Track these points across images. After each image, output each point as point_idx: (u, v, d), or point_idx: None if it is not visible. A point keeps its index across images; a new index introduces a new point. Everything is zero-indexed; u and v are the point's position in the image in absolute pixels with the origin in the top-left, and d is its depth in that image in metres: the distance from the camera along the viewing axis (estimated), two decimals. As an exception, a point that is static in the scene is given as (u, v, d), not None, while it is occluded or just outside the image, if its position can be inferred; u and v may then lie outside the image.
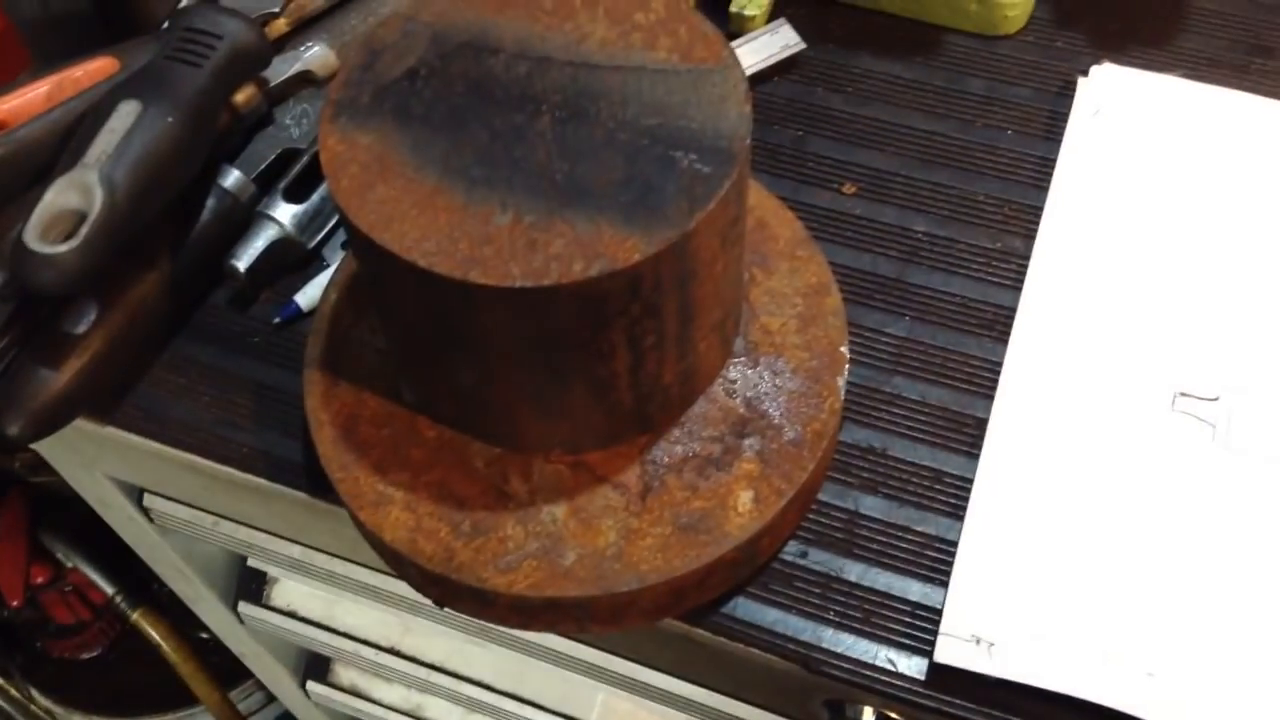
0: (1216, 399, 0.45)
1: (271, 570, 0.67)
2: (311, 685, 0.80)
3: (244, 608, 0.69)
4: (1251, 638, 0.40)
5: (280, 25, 0.55)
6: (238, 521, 0.56)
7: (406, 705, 0.77)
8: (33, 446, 0.55)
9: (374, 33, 0.40)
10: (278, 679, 0.81)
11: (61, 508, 1.11)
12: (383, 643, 0.67)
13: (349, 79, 0.39)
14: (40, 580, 1.12)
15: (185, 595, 0.70)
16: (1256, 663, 0.40)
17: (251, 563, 0.67)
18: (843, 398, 0.44)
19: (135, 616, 1.10)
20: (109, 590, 1.10)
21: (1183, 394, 0.46)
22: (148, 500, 0.59)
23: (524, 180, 0.36)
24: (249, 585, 0.69)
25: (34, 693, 1.24)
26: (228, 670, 1.17)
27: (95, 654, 1.22)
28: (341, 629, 0.68)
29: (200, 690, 1.17)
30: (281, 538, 0.56)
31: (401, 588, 0.57)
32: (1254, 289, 0.48)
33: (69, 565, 1.12)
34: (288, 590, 0.69)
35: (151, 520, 0.60)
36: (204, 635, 1.18)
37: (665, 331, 0.39)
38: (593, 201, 0.36)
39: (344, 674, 0.79)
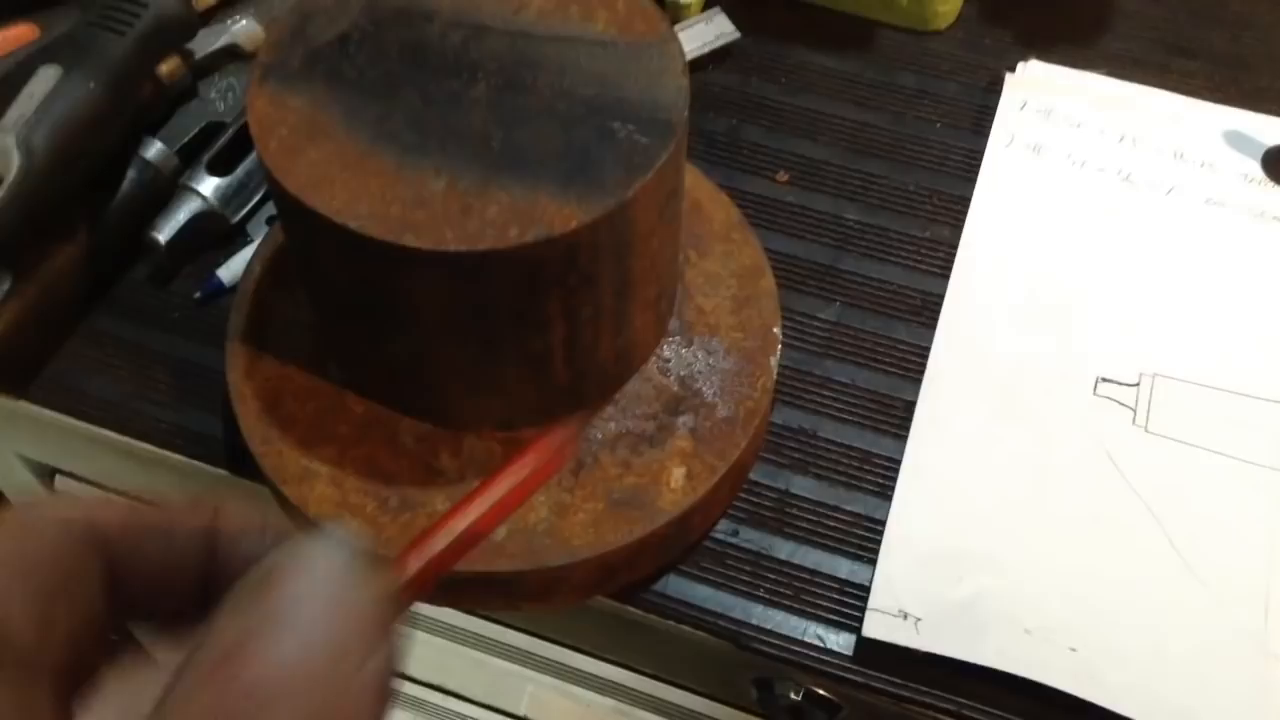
0: (1136, 384, 0.47)
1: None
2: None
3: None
4: (1167, 611, 0.41)
5: (208, -2, 0.53)
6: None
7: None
8: (-61, 425, 0.53)
9: (306, -2, 0.40)
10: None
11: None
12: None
13: (279, 42, 0.38)
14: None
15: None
16: (1172, 636, 0.41)
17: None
18: (775, 377, 0.44)
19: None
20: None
21: (1104, 379, 0.47)
22: (60, 482, 0.57)
23: (459, 146, 0.36)
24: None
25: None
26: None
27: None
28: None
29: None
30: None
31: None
32: (1170, 278, 0.49)
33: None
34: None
35: (64, 504, 0.58)
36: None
37: (602, 304, 0.38)
38: (529, 169, 0.36)
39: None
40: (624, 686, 0.53)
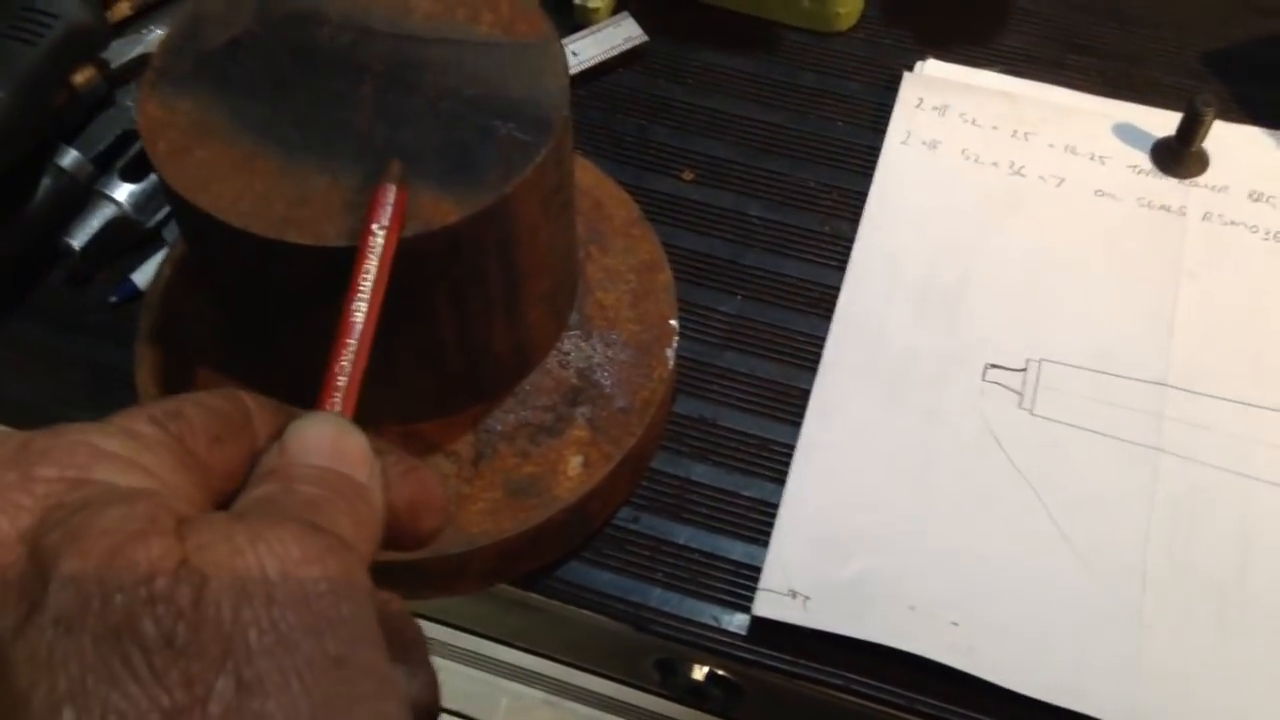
0: (1023, 369, 0.48)
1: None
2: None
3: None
4: (1048, 586, 0.43)
5: (123, 8, 0.55)
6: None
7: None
8: None
9: (198, 4, 0.41)
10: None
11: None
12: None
13: (170, 47, 0.39)
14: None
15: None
16: (1052, 609, 0.42)
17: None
18: (671, 367, 0.45)
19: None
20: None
21: (993, 365, 0.48)
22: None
23: (344, 145, 0.37)
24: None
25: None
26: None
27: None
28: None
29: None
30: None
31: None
32: (1059, 267, 0.51)
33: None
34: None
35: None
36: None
37: (490, 296, 0.40)
38: (412, 167, 0.37)
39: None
40: (536, 673, 0.54)
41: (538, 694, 0.59)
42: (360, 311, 0.30)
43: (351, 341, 0.30)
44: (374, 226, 0.32)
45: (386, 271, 0.31)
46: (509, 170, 0.37)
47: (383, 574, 0.42)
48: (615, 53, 0.58)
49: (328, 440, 0.26)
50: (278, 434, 0.26)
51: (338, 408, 0.29)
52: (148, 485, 0.22)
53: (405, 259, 0.36)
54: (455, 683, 0.60)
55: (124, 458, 0.22)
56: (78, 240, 0.49)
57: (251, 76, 0.39)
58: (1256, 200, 0.53)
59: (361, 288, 0.31)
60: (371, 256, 0.31)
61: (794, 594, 0.42)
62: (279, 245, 0.35)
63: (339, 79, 0.39)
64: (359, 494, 0.25)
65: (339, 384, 0.29)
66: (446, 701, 0.59)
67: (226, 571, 0.20)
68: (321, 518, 0.23)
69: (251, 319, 0.40)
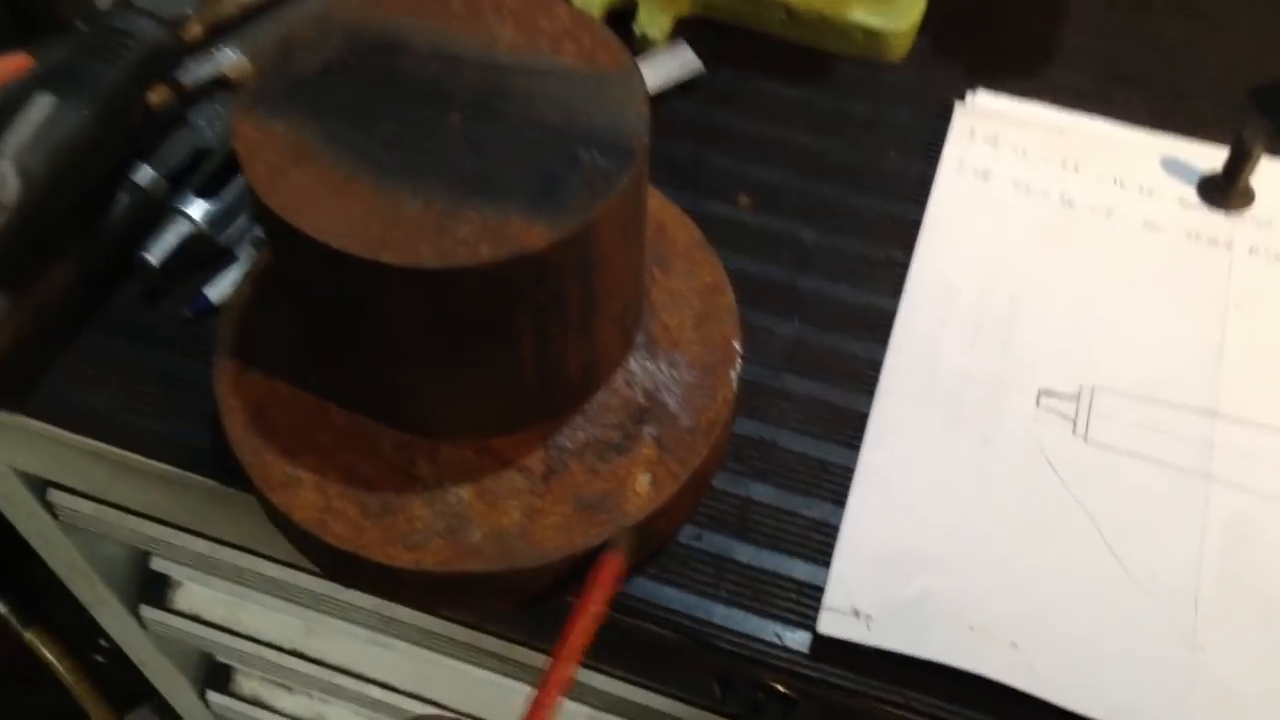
0: (1076, 396, 0.49)
1: (175, 572, 0.67)
2: (212, 695, 0.79)
3: (146, 611, 0.69)
4: (1103, 608, 0.44)
5: (195, 30, 0.56)
6: (144, 515, 0.57)
7: (309, 714, 0.77)
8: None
9: (290, 31, 0.42)
10: (177, 689, 0.80)
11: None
12: (285, 645, 0.67)
13: (264, 71, 0.41)
14: (-75, 603, 1.09)
15: (86, 600, 0.69)
16: (1107, 630, 0.43)
17: (155, 565, 0.67)
18: (735, 389, 0.46)
19: (29, 636, 1.08)
20: (1, 608, 1.08)
21: (1046, 392, 0.49)
22: (52, 495, 0.59)
23: (434, 170, 0.38)
24: (152, 589, 0.69)
25: (-85, 719, 1.20)
26: (123, 694, 1.15)
27: (-18, 679, 1.19)
28: (244, 632, 0.68)
29: (95, 713, 1.15)
30: (187, 531, 0.56)
31: (305, 579, 0.58)
32: (1109, 296, 0.52)
33: (-44, 587, 1.10)
34: (190, 594, 0.69)
35: (56, 516, 0.60)
36: (99, 658, 1.16)
37: (569, 319, 0.41)
38: (500, 191, 0.38)
39: (245, 683, 0.79)
40: (594, 689, 0.55)
41: (583, 710, 0.60)
42: (568, 673, 0.34)
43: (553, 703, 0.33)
44: (594, 599, 0.36)
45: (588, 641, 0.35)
46: (593, 196, 0.38)
47: (455, 587, 0.43)
48: (672, 80, 0.59)
49: None
50: None
51: None
52: None
53: (493, 282, 0.38)
54: (505, 699, 0.61)
55: None
56: (154, 255, 0.51)
57: (343, 102, 0.40)
58: (1302, 234, 0.54)
59: (573, 650, 0.35)
60: (586, 622, 0.35)
61: (857, 613, 0.43)
62: (375, 266, 0.37)
63: (427, 106, 0.40)
64: None
65: None
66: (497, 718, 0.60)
67: None
68: None
69: (338, 335, 0.42)
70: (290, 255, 0.40)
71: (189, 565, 0.63)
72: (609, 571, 0.37)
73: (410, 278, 0.37)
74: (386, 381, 0.43)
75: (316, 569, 0.45)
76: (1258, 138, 0.53)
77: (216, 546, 0.58)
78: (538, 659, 0.55)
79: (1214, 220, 0.55)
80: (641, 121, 0.40)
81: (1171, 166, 0.56)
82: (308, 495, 0.43)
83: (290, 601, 0.62)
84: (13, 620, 1.09)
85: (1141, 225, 0.54)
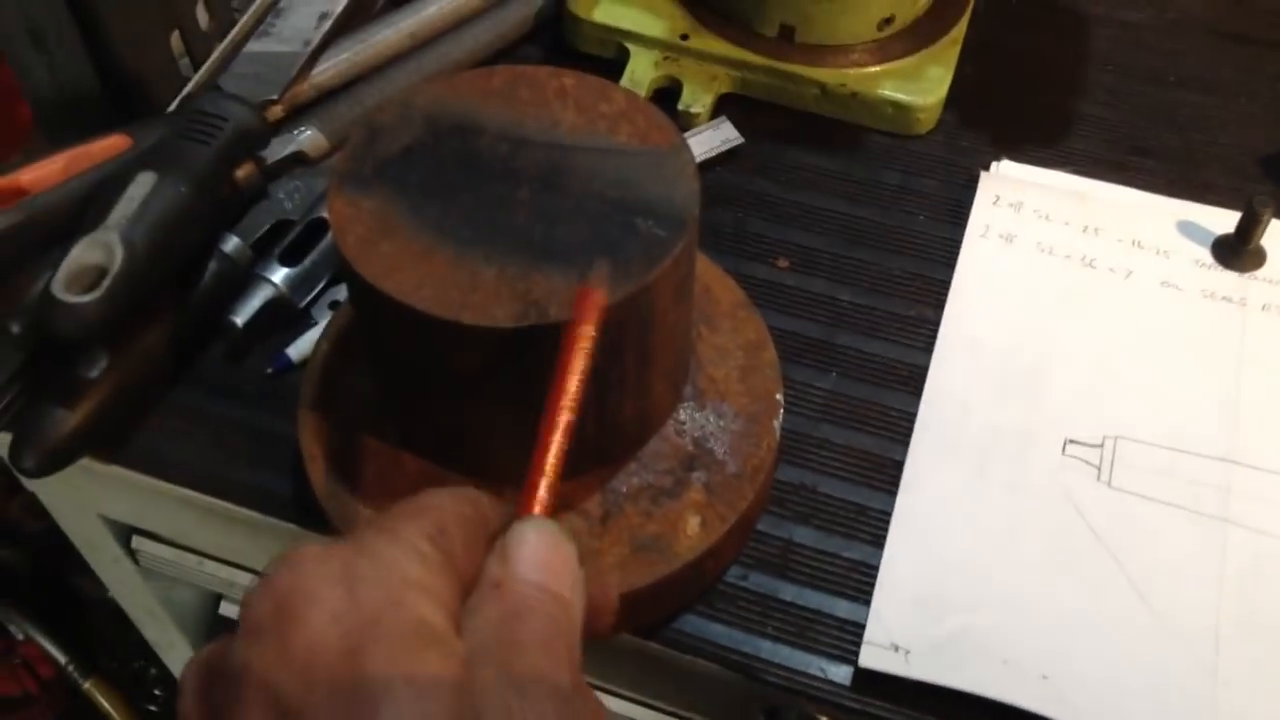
0: (1100, 445, 0.52)
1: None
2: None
3: (213, 655, 0.73)
4: (1128, 644, 0.47)
5: (277, 111, 0.61)
6: (222, 560, 0.60)
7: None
8: (32, 489, 0.60)
9: (374, 116, 0.47)
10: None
11: (15, 582, 1.13)
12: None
13: (353, 154, 0.45)
14: (-10, 651, 1.13)
15: (155, 641, 0.73)
16: (1132, 665, 0.46)
17: (224, 610, 0.70)
18: (778, 438, 0.50)
19: (87, 686, 1.11)
20: (61, 659, 1.12)
21: (1071, 441, 0.53)
22: (136, 542, 0.63)
23: (506, 240, 0.43)
24: (220, 632, 0.72)
25: (-25, 766, 1.23)
26: (175, 743, 1.18)
27: (41, 728, 1.22)
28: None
29: (149, 760, 1.18)
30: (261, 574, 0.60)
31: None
32: (1129, 351, 0.55)
33: (20, 637, 1.13)
34: (256, 639, 0.72)
35: (137, 562, 0.64)
36: (153, 708, 1.19)
37: (626, 373, 0.45)
38: (566, 257, 0.42)
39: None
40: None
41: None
42: (567, 410, 0.35)
43: (554, 440, 0.34)
44: (584, 328, 0.36)
45: (589, 371, 0.35)
46: (650, 262, 0.42)
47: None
48: (714, 153, 0.64)
49: (541, 554, 0.31)
50: (502, 528, 0.32)
51: (546, 507, 0.33)
52: (442, 616, 0.28)
53: (559, 341, 0.42)
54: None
55: (423, 585, 0.29)
56: (240, 317, 0.55)
57: (424, 179, 0.44)
58: (1312, 292, 0.57)
59: (569, 387, 0.35)
60: (580, 355, 0.35)
61: (896, 647, 0.46)
62: (455, 326, 0.40)
63: (500, 182, 0.44)
64: (564, 610, 0.30)
65: (545, 483, 0.34)
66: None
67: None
68: (533, 652, 0.29)
69: (416, 389, 0.46)
70: (376, 317, 0.44)
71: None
72: (591, 301, 0.38)
73: (485, 336, 0.41)
74: (458, 432, 0.47)
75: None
76: (1268, 204, 0.57)
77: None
78: (605, 699, 0.58)
79: (1228, 280, 0.58)
80: (692, 194, 0.44)
81: (1187, 229, 0.60)
82: (385, 537, 0.47)
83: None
84: (73, 671, 1.13)
85: (1159, 284, 0.58)
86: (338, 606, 0.27)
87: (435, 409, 0.46)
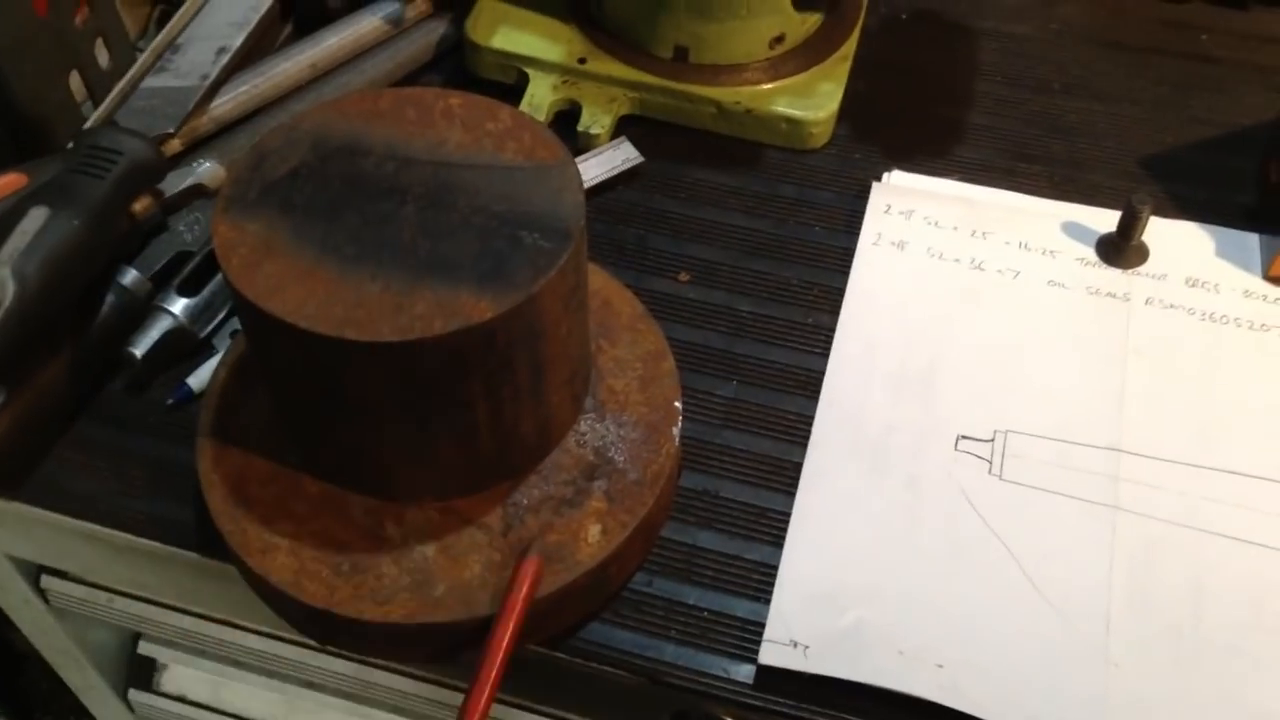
0: (991, 440, 0.54)
1: (162, 655, 0.70)
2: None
3: (135, 695, 0.72)
4: (1021, 630, 0.48)
5: (175, 144, 0.61)
6: (131, 596, 0.60)
7: (293, 795, 0.79)
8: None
9: (262, 140, 0.47)
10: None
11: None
12: (269, 721, 0.70)
13: (238, 178, 0.46)
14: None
15: (76, 685, 0.72)
16: (1026, 650, 0.47)
17: (143, 650, 0.70)
18: (678, 444, 0.51)
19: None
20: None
21: (963, 436, 0.54)
22: (45, 581, 0.62)
23: (391, 256, 0.43)
24: (140, 673, 0.71)
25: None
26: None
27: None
28: (227, 710, 0.70)
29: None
30: (173, 609, 0.60)
31: (284, 649, 0.61)
32: (1018, 348, 0.57)
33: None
34: (177, 676, 0.72)
35: (48, 602, 0.63)
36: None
37: (520, 384, 0.45)
38: (451, 272, 0.43)
39: (230, 769, 0.81)
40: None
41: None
42: (494, 668, 0.42)
43: (489, 690, 0.41)
44: (519, 597, 0.44)
45: (518, 633, 0.42)
46: (536, 273, 0.43)
47: (423, 635, 0.46)
48: (615, 172, 0.65)
49: None
50: None
51: None
52: None
53: (446, 353, 0.42)
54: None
55: None
56: (139, 349, 0.55)
57: (309, 201, 0.45)
58: (1193, 286, 0.59)
59: (505, 647, 0.42)
60: (510, 623, 0.43)
61: (795, 643, 0.47)
62: (339, 342, 0.41)
63: (385, 201, 0.45)
64: None
65: None
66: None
67: None
68: None
69: (310, 410, 0.46)
70: (265, 338, 0.44)
71: (175, 645, 0.66)
72: (527, 571, 0.44)
73: (371, 351, 0.41)
74: (355, 450, 0.47)
75: (295, 633, 0.49)
76: (1146, 201, 0.59)
77: (201, 622, 0.61)
78: (516, 715, 0.58)
79: (1112, 276, 0.60)
80: (577, 207, 0.45)
81: (1072, 230, 0.62)
82: (283, 559, 0.47)
83: (271, 676, 0.65)
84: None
85: (1046, 284, 0.60)
86: None
87: (330, 428, 0.46)
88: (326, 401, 0.45)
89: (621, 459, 0.50)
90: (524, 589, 0.44)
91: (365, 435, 0.46)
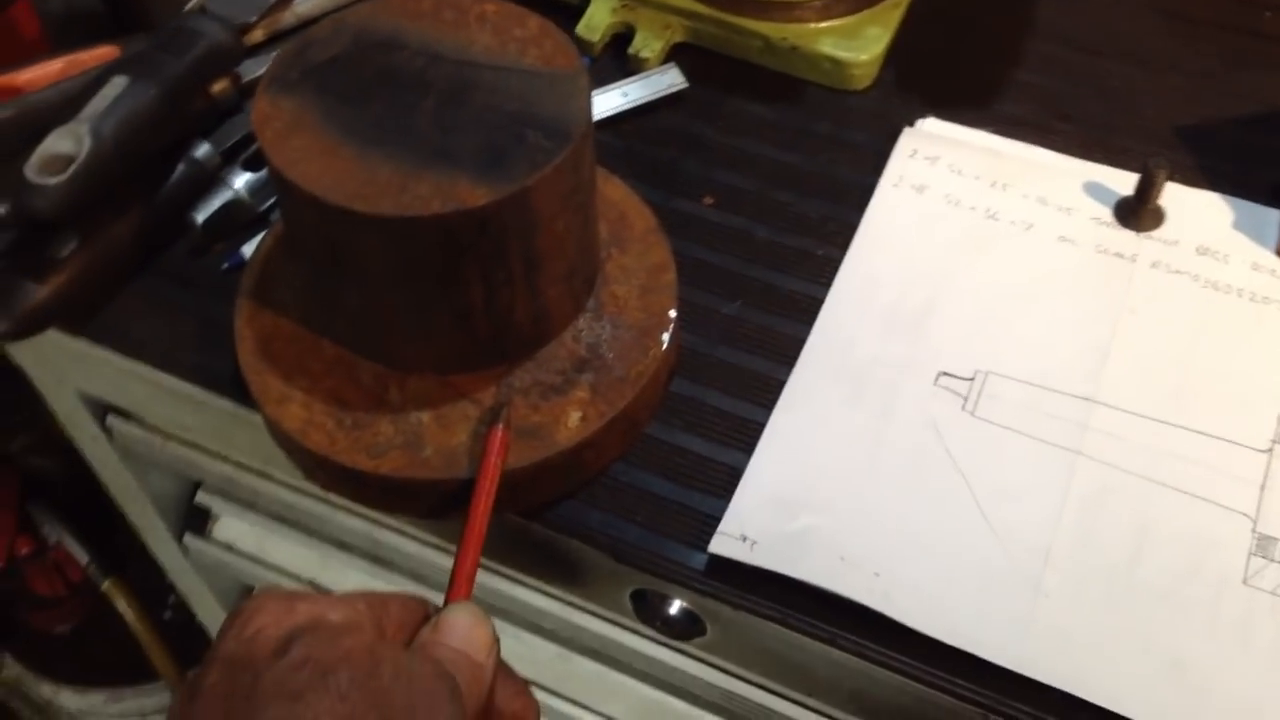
0: (971, 378, 0.56)
1: (216, 506, 0.77)
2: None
3: (190, 539, 0.79)
4: (963, 554, 0.50)
5: (257, 34, 0.67)
6: (180, 440, 0.67)
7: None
8: (15, 358, 0.67)
9: (312, 29, 0.52)
10: (217, 619, 0.90)
11: (51, 488, 1.22)
12: (304, 575, 0.77)
13: (284, 60, 0.50)
14: (25, 551, 1.21)
15: (141, 527, 0.80)
16: (963, 572, 0.50)
17: (199, 499, 0.77)
18: (665, 349, 0.54)
19: (105, 586, 1.19)
20: (84, 558, 1.19)
21: (944, 373, 0.56)
22: (110, 420, 0.69)
23: (406, 143, 0.48)
24: (195, 520, 0.79)
25: (6, 659, 1.32)
26: (186, 651, 1.26)
27: (69, 627, 1.30)
28: (269, 561, 0.77)
29: (161, 666, 1.26)
30: (216, 455, 0.66)
31: (306, 502, 0.67)
32: (1015, 296, 0.59)
33: (53, 541, 1.21)
34: (227, 527, 0.79)
35: (112, 439, 0.71)
36: (167, 616, 1.27)
37: (513, 272, 0.49)
38: (456, 161, 0.47)
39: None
40: (530, 605, 0.63)
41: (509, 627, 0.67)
42: (481, 523, 0.47)
43: (475, 543, 0.46)
44: (494, 461, 0.49)
45: (494, 492, 0.48)
46: (532, 168, 0.47)
47: (411, 489, 0.51)
48: (659, 95, 0.68)
49: (465, 628, 0.41)
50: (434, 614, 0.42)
51: (469, 595, 0.44)
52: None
53: (443, 232, 0.47)
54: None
55: (348, 619, 0.38)
56: (200, 215, 0.61)
57: (342, 87, 0.50)
58: (1203, 254, 0.60)
59: (484, 506, 0.47)
60: (486, 480, 0.48)
61: (744, 538, 0.51)
62: (348, 213, 0.46)
63: (409, 93, 0.49)
64: (475, 669, 0.40)
65: (466, 575, 0.45)
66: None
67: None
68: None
69: (326, 276, 0.51)
70: (289, 204, 0.50)
71: (228, 496, 0.73)
72: (494, 438, 0.50)
73: (374, 224, 0.46)
74: (362, 317, 0.52)
75: (308, 482, 0.54)
76: (1163, 165, 0.59)
77: (242, 472, 0.68)
78: (491, 579, 0.63)
79: (1124, 237, 0.61)
80: (582, 112, 0.49)
81: (1092, 190, 0.63)
82: (295, 410, 0.52)
83: (309, 535, 0.72)
84: (94, 572, 1.21)
85: (1056, 239, 0.61)
86: (279, 615, 0.37)
87: (343, 295, 0.51)
88: (338, 269, 0.50)
89: (611, 356, 0.54)
90: (493, 455, 0.48)
91: (369, 304, 0.51)
